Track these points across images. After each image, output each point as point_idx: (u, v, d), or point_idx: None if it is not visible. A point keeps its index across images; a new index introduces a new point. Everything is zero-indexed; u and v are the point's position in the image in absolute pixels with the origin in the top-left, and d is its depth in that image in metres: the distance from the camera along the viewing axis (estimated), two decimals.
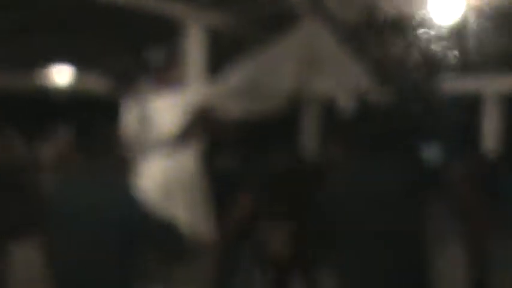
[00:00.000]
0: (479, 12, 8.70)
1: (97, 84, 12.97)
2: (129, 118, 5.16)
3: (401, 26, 9.10)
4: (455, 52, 9.58)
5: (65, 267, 3.97)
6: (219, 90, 5.20)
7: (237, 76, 5.13)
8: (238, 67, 5.19)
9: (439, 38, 6.99)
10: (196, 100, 5.19)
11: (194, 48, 8.68)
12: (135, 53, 11.15)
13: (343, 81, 4.86)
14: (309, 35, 4.88)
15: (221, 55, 9.79)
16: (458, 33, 9.14)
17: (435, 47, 6.88)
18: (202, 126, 5.07)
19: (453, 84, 6.26)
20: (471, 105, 11.30)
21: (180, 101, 5.20)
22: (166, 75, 5.30)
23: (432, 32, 7.07)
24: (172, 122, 5.09)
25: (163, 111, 5.15)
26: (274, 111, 5.07)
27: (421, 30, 7.05)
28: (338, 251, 3.70)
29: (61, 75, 12.65)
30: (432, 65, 5.25)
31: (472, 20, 8.87)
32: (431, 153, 7.43)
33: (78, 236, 3.89)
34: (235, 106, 5.12)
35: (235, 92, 5.09)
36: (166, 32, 9.88)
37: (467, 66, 10.14)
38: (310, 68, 4.84)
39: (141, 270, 3.93)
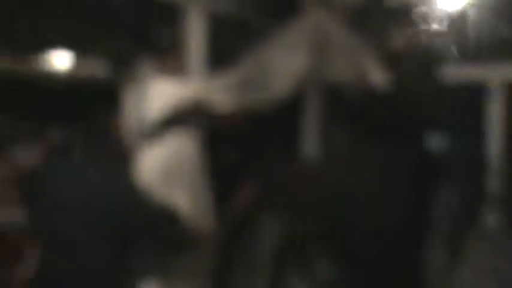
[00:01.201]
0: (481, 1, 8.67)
1: (96, 69, 12.92)
2: (128, 103, 5.13)
3: (405, 15, 9.07)
4: (458, 40, 9.56)
5: (58, 253, 3.94)
6: (222, 82, 5.16)
7: (245, 63, 5.10)
8: (246, 53, 5.17)
9: (442, 26, 6.97)
10: (196, 92, 5.15)
11: (195, 33, 8.61)
12: (135, 37, 11.15)
13: (354, 67, 4.87)
14: (318, 21, 4.89)
15: (223, 41, 9.78)
16: (460, 22, 9.11)
17: (438, 36, 6.86)
18: (193, 119, 5.03)
19: (457, 72, 6.22)
20: (475, 93, 11.28)
21: (178, 90, 5.17)
22: (168, 58, 5.27)
23: (435, 21, 7.06)
24: (167, 109, 5.06)
25: (159, 97, 5.13)
26: (280, 99, 5.05)
27: (424, 19, 7.05)
28: (338, 240, 3.68)
29: (60, 60, 12.60)
30: (436, 54, 5.22)
31: (473, 9, 8.84)
32: (436, 142, 7.41)
33: (72, 223, 3.86)
34: (239, 97, 5.09)
35: (242, 81, 5.06)
36: (167, 17, 9.87)
37: (469, 54, 10.11)
38: (321, 54, 4.84)
39: (137, 262, 3.90)
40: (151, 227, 4.07)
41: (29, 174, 4.60)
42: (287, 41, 4.89)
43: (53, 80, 13.80)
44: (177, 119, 5.10)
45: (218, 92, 5.18)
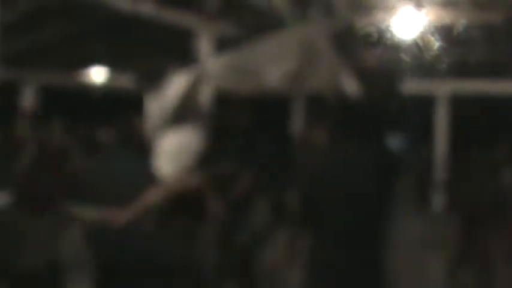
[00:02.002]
0: (437, 26, 8.58)
1: (127, 82, 12.82)
2: (150, 106, 5.02)
3: (374, 38, 8.96)
4: (416, 59, 9.47)
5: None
6: (220, 62, 5.01)
7: (238, 55, 4.98)
8: (240, 49, 5.03)
9: (403, 47, 6.89)
10: (199, 70, 5.01)
11: (204, 53, 8.52)
12: (158, 56, 11.01)
13: (332, 78, 4.75)
14: (307, 34, 4.76)
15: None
16: (418, 43, 9.00)
17: (400, 55, 6.76)
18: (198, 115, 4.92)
19: (412, 86, 6.11)
20: (426, 104, 11.25)
21: (180, 77, 5.05)
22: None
23: (397, 42, 6.99)
24: (173, 96, 4.92)
25: (168, 88, 5.00)
26: (269, 89, 4.93)
27: (388, 40, 6.97)
28: (316, 218, 3.60)
29: (98, 74, 12.52)
30: (397, 69, 5.08)
31: (430, 32, 8.75)
32: (395, 142, 7.30)
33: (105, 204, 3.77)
34: (226, 82, 4.95)
35: (229, 69, 4.91)
36: (182, 39, 9.78)
37: (424, 71, 10.05)
38: (307, 62, 4.72)
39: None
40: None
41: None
42: (280, 43, 4.75)
43: (92, 90, 13.77)
44: (182, 114, 4.97)
45: (216, 69, 5.02)
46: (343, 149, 3.75)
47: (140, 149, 4.19)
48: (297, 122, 10.85)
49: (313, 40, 4.70)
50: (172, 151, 4.69)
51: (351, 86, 4.85)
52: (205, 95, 5.07)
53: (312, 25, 5.45)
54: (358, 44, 5.07)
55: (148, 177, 3.93)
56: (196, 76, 4.95)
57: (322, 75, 4.70)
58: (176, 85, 4.91)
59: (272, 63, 4.67)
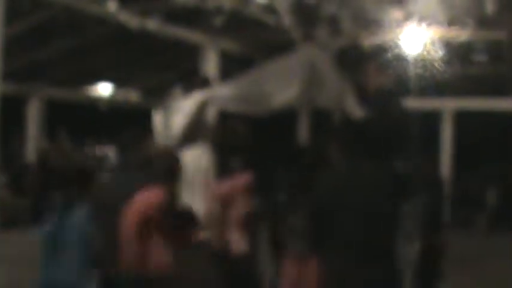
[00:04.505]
0: (441, 43, 8.57)
1: (131, 96, 12.85)
2: (158, 122, 5.00)
3: (378, 56, 8.94)
4: (421, 76, 9.43)
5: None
6: (223, 90, 4.99)
7: (242, 81, 4.95)
8: (245, 74, 5.01)
9: (408, 63, 6.86)
10: (205, 94, 5.00)
11: (209, 67, 8.53)
12: (163, 71, 11.01)
13: (336, 97, 4.72)
14: (310, 55, 4.73)
15: (232, 74, 9.66)
16: (423, 60, 8.98)
17: (404, 72, 6.72)
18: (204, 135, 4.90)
19: (418, 103, 6.08)
20: (432, 121, 11.23)
21: (188, 101, 5.03)
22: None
23: (402, 59, 6.97)
24: (182, 120, 4.91)
25: (178, 111, 4.97)
26: (269, 113, 4.90)
27: (394, 57, 6.96)
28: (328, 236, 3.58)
29: (104, 89, 12.51)
30: (403, 87, 5.05)
31: (434, 49, 8.73)
32: (403, 161, 7.24)
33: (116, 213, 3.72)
34: (234, 105, 4.92)
35: (237, 94, 4.89)
36: (187, 55, 9.78)
37: (430, 88, 10.02)
38: (311, 84, 4.69)
39: None
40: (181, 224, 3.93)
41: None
42: (283, 69, 4.72)
43: (99, 104, 13.81)
44: (191, 135, 4.96)
45: (224, 94, 5.00)
46: (351, 168, 3.72)
47: (144, 167, 4.12)
48: (303, 136, 10.84)
49: (318, 62, 4.68)
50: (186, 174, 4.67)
51: (353, 104, 4.82)
52: (212, 115, 5.06)
53: (316, 46, 5.45)
54: (364, 61, 5.03)
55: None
56: (204, 100, 4.94)
57: (327, 96, 4.68)
58: (185, 109, 4.90)
59: (278, 88, 4.65)
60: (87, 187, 4.01)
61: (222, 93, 4.94)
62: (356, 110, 4.79)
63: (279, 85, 4.69)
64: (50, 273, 3.87)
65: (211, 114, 5.06)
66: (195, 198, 4.66)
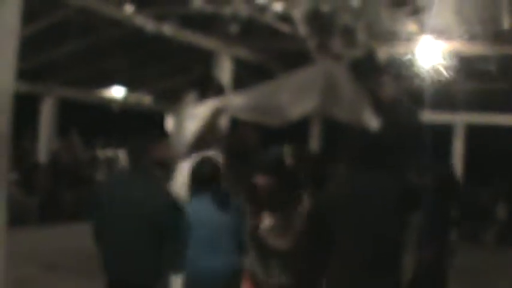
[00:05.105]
0: (455, 56, 8.55)
1: (144, 99, 12.89)
2: (171, 127, 5.00)
3: (392, 65, 8.91)
4: (434, 89, 9.41)
5: (109, 246, 3.78)
6: (238, 99, 4.98)
7: (258, 91, 4.94)
8: (261, 85, 5.00)
9: (422, 76, 6.83)
10: (220, 102, 4.99)
11: (223, 73, 8.51)
12: (177, 75, 11.02)
13: (353, 109, 4.70)
14: (327, 69, 4.72)
15: (245, 82, 9.66)
16: (437, 73, 8.95)
17: (419, 85, 6.70)
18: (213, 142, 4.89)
19: (430, 116, 6.06)
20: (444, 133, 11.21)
21: (202, 107, 5.02)
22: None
23: (417, 72, 6.94)
24: (195, 125, 4.90)
25: (191, 117, 4.96)
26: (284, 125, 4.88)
27: (408, 69, 6.95)
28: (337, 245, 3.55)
29: (117, 92, 12.54)
30: (416, 99, 5.04)
31: (449, 63, 8.70)
32: (415, 171, 7.19)
33: (120, 222, 3.71)
34: (249, 115, 4.91)
35: (253, 104, 4.87)
36: (200, 60, 9.79)
37: (442, 101, 9.99)
38: (328, 96, 4.67)
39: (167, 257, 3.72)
40: (180, 227, 3.92)
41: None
42: (300, 82, 4.70)
43: (111, 105, 13.87)
44: (204, 142, 4.95)
45: (239, 103, 4.99)
46: (364, 179, 3.70)
47: (156, 169, 4.10)
48: (314, 145, 10.89)
49: (335, 75, 4.66)
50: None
51: (370, 115, 4.80)
52: (225, 122, 5.05)
53: (331, 56, 5.44)
54: (378, 72, 5.01)
55: (163, 202, 3.86)
56: (219, 108, 4.93)
57: (343, 108, 4.66)
58: (199, 115, 4.89)
59: (295, 101, 4.64)
60: None
61: (237, 102, 4.92)
62: (372, 121, 4.77)
63: (296, 98, 4.67)
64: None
65: (224, 122, 5.05)
66: None
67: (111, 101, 12.62)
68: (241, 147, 5.14)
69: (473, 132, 11.40)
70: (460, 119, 11.26)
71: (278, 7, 5.11)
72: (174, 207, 3.82)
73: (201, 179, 4.36)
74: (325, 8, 5.19)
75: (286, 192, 3.82)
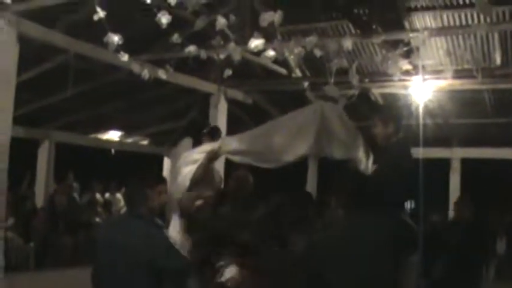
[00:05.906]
0: (447, 95, 8.64)
1: (141, 143, 12.92)
2: (167, 171, 5.01)
3: (387, 104, 8.99)
4: (429, 126, 9.46)
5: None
6: (233, 143, 5.00)
7: (253, 135, 4.98)
8: (257, 128, 5.03)
9: (416, 114, 6.88)
10: (215, 144, 5.01)
11: (219, 115, 8.57)
12: (173, 119, 11.02)
13: (346, 149, 4.71)
14: (323, 109, 4.76)
15: (242, 122, 9.71)
16: (431, 110, 9.03)
17: (413, 122, 6.73)
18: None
19: (426, 153, 6.08)
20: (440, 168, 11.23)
21: (197, 152, 5.04)
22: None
23: (411, 109, 7.00)
24: (191, 170, 4.90)
25: (187, 162, 4.98)
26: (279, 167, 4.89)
27: (402, 108, 7.00)
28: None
29: (113, 137, 12.55)
30: (410, 137, 5.04)
31: (441, 100, 8.81)
32: (411, 208, 7.18)
33: (116, 268, 3.68)
34: (245, 159, 4.93)
35: (248, 148, 4.89)
36: (197, 102, 9.83)
37: (438, 137, 10.04)
38: (323, 138, 4.70)
39: None
40: (178, 272, 3.90)
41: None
42: (296, 124, 4.75)
43: (108, 149, 13.87)
44: (200, 187, 4.97)
45: (235, 147, 5.02)
46: (357, 223, 3.68)
47: (154, 212, 4.07)
48: (311, 183, 10.94)
49: (329, 116, 4.70)
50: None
51: (363, 155, 4.81)
52: (220, 165, 5.05)
53: (326, 97, 5.50)
54: (372, 112, 5.03)
55: (162, 247, 3.83)
56: (214, 152, 4.95)
57: (338, 149, 4.68)
58: (194, 160, 4.91)
59: (291, 144, 4.67)
60: None
61: (232, 146, 4.93)
62: (366, 161, 4.78)
63: (292, 140, 4.72)
64: None
65: (220, 166, 5.05)
66: None
67: (108, 145, 12.62)
68: (238, 192, 5.15)
69: (470, 167, 11.43)
70: (455, 154, 11.33)
71: (271, 53, 5.16)
72: (171, 251, 3.80)
73: None
74: (318, 52, 5.24)
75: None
